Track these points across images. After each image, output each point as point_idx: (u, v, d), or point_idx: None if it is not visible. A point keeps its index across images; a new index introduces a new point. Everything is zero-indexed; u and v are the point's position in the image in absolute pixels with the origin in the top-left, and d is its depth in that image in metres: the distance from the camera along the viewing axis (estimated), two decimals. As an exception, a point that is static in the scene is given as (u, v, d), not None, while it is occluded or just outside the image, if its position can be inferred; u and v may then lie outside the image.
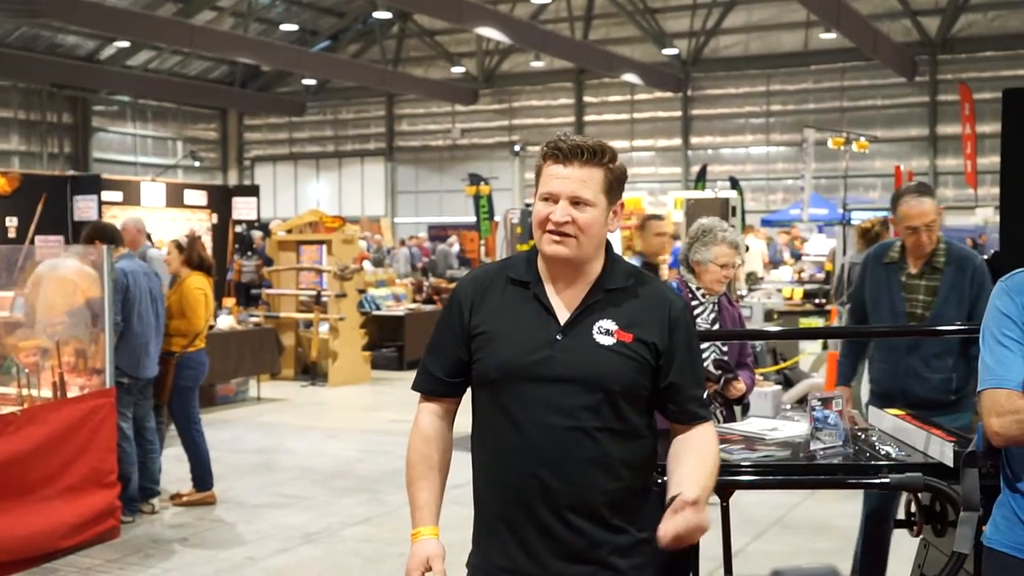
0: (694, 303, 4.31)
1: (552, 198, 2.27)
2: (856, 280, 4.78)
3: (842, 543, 5.92)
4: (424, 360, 2.46)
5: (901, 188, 4.52)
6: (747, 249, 12.06)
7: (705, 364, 4.14)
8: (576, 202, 2.26)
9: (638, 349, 2.29)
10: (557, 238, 2.27)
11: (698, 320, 4.26)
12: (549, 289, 2.34)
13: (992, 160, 24.71)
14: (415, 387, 2.47)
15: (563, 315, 2.31)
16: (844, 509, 6.39)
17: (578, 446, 2.26)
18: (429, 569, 2.29)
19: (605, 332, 2.29)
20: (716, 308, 4.37)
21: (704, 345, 4.20)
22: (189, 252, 7.13)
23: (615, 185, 2.31)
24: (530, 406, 2.27)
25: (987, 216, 20.97)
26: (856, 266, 8.20)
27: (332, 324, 12.32)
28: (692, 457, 2.32)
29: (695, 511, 2.12)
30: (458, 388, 2.42)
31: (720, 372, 4.20)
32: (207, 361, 7.20)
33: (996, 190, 23.42)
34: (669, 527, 2.11)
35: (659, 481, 2.51)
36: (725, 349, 4.34)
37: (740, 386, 4.23)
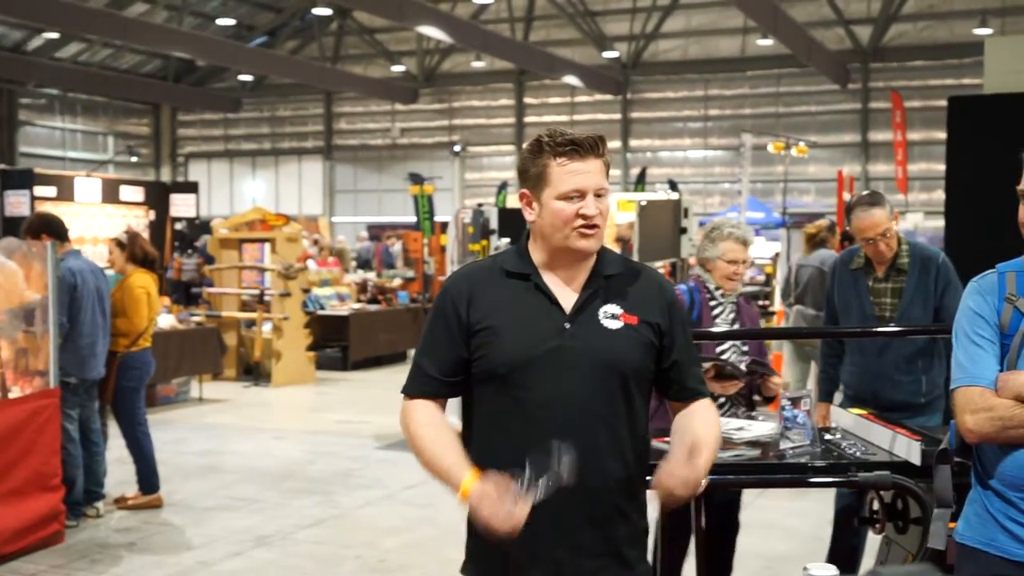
0: (712, 303, 4.26)
1: (580, 195, 2.29)
2: (827, 287, 4.84)
3: (793, 542, 6.01)
4: (418, 362, 2.41)
5: (852, 199, 4.57)
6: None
7: (730, 361, 4.13)
8: (599, 194, 2.30)
9: (644, 331, 2.34)
10: (589, 232, 2.30)
11: (717, 320, 4.23)
12: (548, 278, 2.35)
13: (920, 167, 25.27)
14: (409, 391, 2.40)
15: (567, 303, 2.33)
16: (794, 507, 6.49)
17: (593, 434, 2.28)
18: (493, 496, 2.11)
19: (611, 316, 2.32)
20: (736, 308, 4.31)
21: (725, 347, 4.22)
22: (131, 248, 6.96)
23: (608, 171, 2.38)
24: (543, 397, 2.27)
25: (917, 221, 21.42)
26: (804, 268, 8.33)
27: (276, 324, 12.19)
28: (696, 420, 2.38)
29: (693, 463, 2.17)
30: (455, 388, 2.39)
31: (753, 371, 4.11)
32: (152, 361, 7.05)
33: (925, 196, 23.87)
34: (665, 479, 2.16)
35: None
36: (746, 348, 4.29)
37: (777, 380, 4.15)
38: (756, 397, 4.23)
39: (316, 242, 19.23)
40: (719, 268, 4.25)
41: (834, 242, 8.36)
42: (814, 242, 8.32)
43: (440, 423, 2.36)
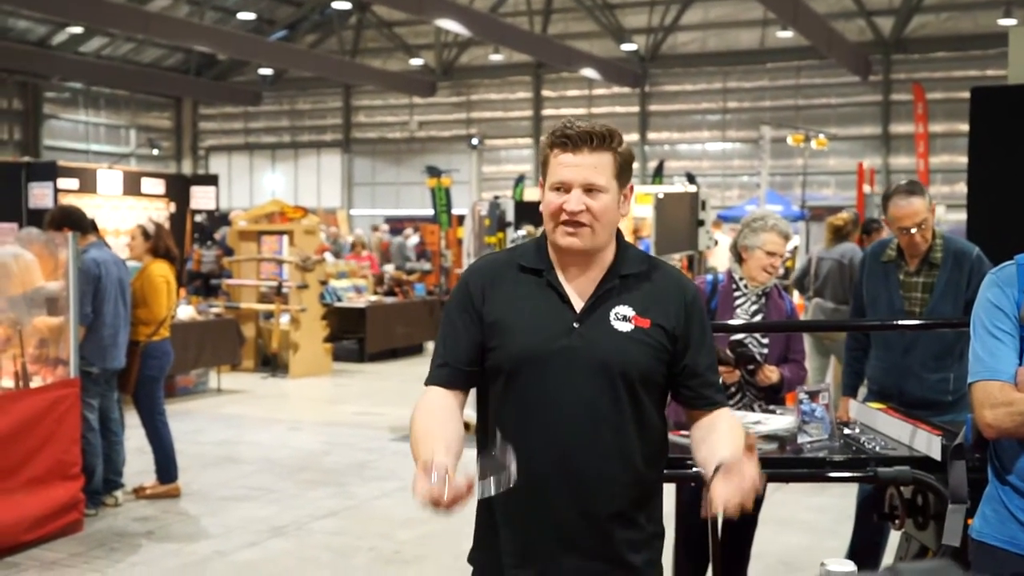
0: (736, 293, 4.22)
1: (564, 187, 2.23)
2: (856, 279, 4.74)
3: (811, 537, 5.99)
4: (438, 352, 2.34)
5: (890, 188, 4.44)
6: (716, 244, 12.23)
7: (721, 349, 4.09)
8: (589, 189, 2.22)
9: (656, 335, 2.27)
10: (571, 229, 2.23)
11: (737, 311, 4.19)
12: (562, 276, 2.30)
13: (943, 159, 25.08)
14: (430, 381, 2.32)
15: (578, 302, 2.28)
16: (812, 502, 6.46)
17: (598, 437, 2.23)
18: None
19: (622, 318, 2.26)
20: (763, 299, 4.24)
21: (740, 337, 4.14)
22: (156, 241, 7.01)
23: (624, 169, 2.28)
24: (548, 396, 2.22)
25: (939, 214, 21.30)
26: (824, 261, 8.26)
27: (293, 315, 12.22)
28: (722, 426, 2.28)
29: (742, 469, 2.04)
30: (472, 377, 2.32)
31: (736, 357, 4.05)
32: (172, 351, 7.10)
33: (947, 188, 23.76)
34: (722, 493, 2.01)
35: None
36: (765, 341, 4.22)
37: (770, 374, 4.07)
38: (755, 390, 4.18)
39: (347, 238, 19.21)
40: (756, 258, 4.18)
41: (856, 236, 8.28)
42: (840, 235, 8.20)
43: (440, 409, 2.25)
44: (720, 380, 2.45)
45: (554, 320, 2.26)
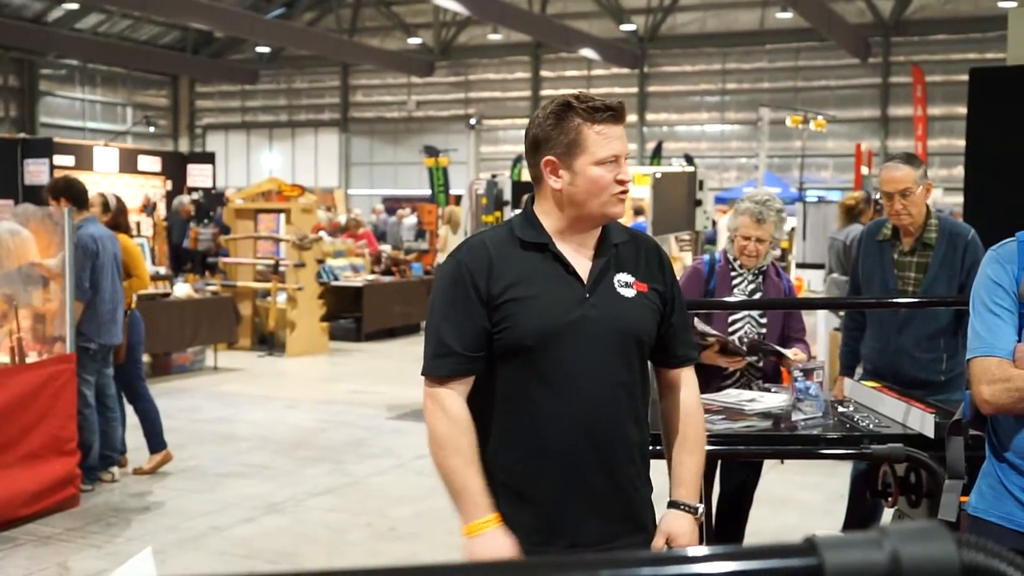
0: (732, 273, 4.23)
1: (616, 160, 2.28)
2: (852, 258, 4.75)
3: (804, 515, 6.01)
4: (440, 340, 2.29)
5: (888, 156, 4.52)
6: (713, 224, 12.24)
7: (737, 338, 4.09)
8: (624, 158, 2.31)
9: (652, 298, 2.37)
10: (624, 197, 2.32)
11: (735, 290, 4.20)
12: (563, 248, 2.33)
13: (941, 142, 25.08)
14: (433, 371, 2.29)
15: (583, 272, 2.32)
16: (806, 481, 6.49)
17: (618, 401, 2.31)
18: None
19: (625, 285, 2.34)
20: (760, 278, 4.25)
21: (737, 316, 4.16)
22: (116, 215, 7.00)
23: None
24: (570, 368, 2.26)
25: (936, 197, 21.31)
26: (836, 241, 8.23)
27: (290, 294, 12.21)
28: (688, 446, 2.46)
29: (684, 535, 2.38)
30: (478, 364, 2.29)
31: (763, 353, 4.03)
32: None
33: (945, 171, 23.77)
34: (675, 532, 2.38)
35: None
36: (764, 321, 4.21)
37: (800, 355, 4.02)
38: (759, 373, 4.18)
39: (340, 217, 19.14)
40: (735, 241, 4.23)
41: (869, 215, 8.24)
42: (851, 215, 8.17)
43: (469, 430, 2.27)
44: (691, 336, 2.61)
45: (566, 292, 2.30)
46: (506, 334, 2.27)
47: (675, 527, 2.37)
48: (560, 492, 2.28)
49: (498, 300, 2.27)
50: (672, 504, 2.42)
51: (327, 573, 0.66)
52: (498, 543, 2.18)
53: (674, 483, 2.43)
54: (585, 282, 2.31)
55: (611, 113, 2.26)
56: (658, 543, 2.36)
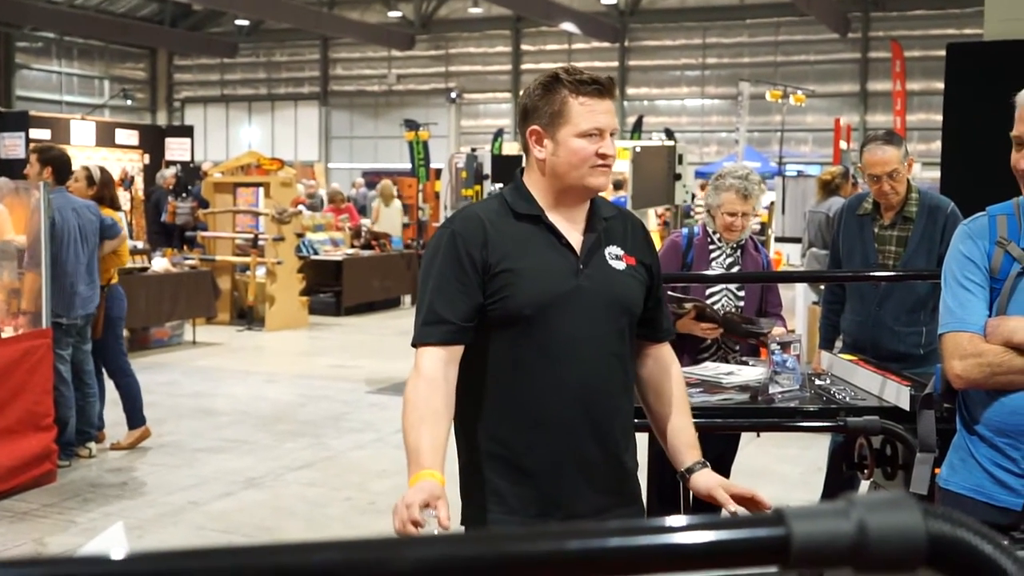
0: (711, 247, 4.22)
1: (600, 133, 2.28)
2: (832, 232, 4.77)
3: (782, 487, 6.05)
4: (431, 308, 2.27)
5: (868, 136, 4.48)
6: (692, 198, 12.25)
7: (718, 308, 4.09)
8: (612, 134, 2.32)
9: (640, 271, 2.41)
10: (606, 170, 2.32)
11: (713, 264, 4.20)
12: (555, 220, 2.35)
13: (919, 117, 25.13)
14: (425, 339, 2.25)
15: (575, 244, 2.35)
16: (784, 454, 6.53)
17: (612, 373, 2.34)
18: (427, 507, 2.03)
19: (616, 257, 2.37)
20: (738, 252, 4.24)
21: (715, 290, 4.16)
22: (101, 188, 6.94)
23: None
24: (566, 338, 2.28)
25: (915, 172, 21.39)
26: (815, 214, 8.26)
27: (269, 268, 12.16)
28: (686, 410, 2.51)
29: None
30: (469, 334, 2.28)
31: (744, 333, 4.02)
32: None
33: (923, 146, 23.82)
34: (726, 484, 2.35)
35: None
36: (742, 294, 4.21)
37: (779, 331, 3.98)
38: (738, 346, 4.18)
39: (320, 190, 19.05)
40: (718, 218, 4.21)
41: (847, 190, 8.26)
42: (828, 189, 8.20)
43: (437, 389, 2.22)
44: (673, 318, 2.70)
45: (561, 263, 2.32)
46: (502, 304, 2.27)
47: (721, 481, 2.35)
48: (556, 463, 2.28)
49: (494, 270, 2.27)
50: (696, 466, 2.38)
51: (300, 545, 0.66)
52: (424, 487, 2.07)
53: (682, 447, 2.42)
54: (578, 253, 2.33)
55: (597, 87, 2.28)
56: (729, 506, 2.26)
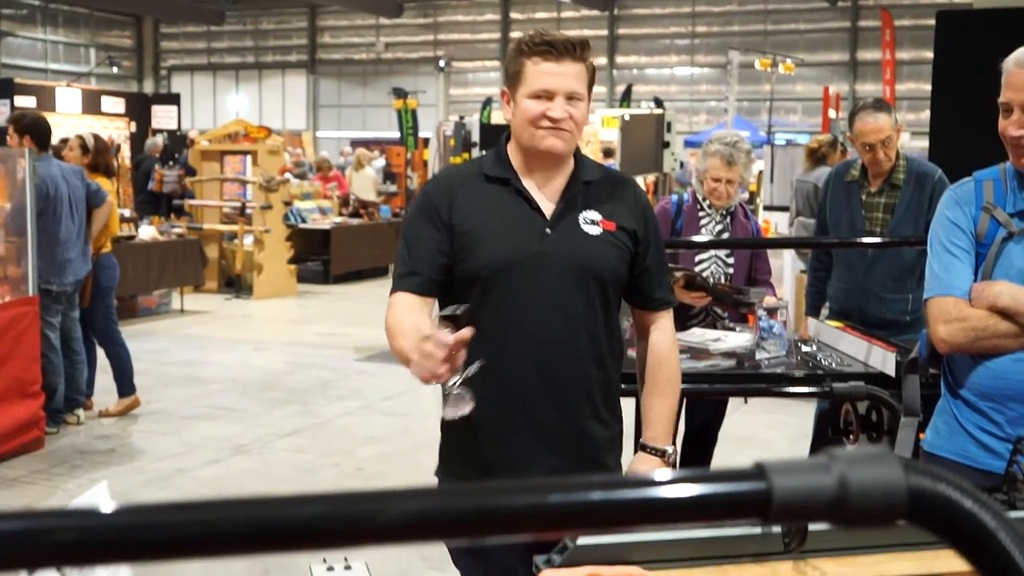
0: (700, 213, 4.21)
1: (547, 95, 2.25)
2: (820, 199, 4.76)
3: (768, 453, 6.08)
4: (404, 262, 2.33)
5: (858, 104, 4.45)
6: (681, 166, 12.24)
7: (707, 275, 4.09)
8: (571, 97, 2.26)
9: (621, 237, 2.35)
10: (555, 132, 2.26)
11: (702, 231, 4.19)
12: (528, 183, 2.34)
13: (909, 86, 25.10)
14: (398, 289, 2.32)
15: (547, 208, 2.33)
16: (772, 420, 6.57)
17: (574, 338, 2.30)
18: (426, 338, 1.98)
19: (591, 222, 2.33)
20: (727, 219, 4.23)
21: (704, 256, 4.16)
22: (95, 156, 6.91)
23: (593, 79, 2.34)
24: (526, 301, 2.27)
25: (904, 141, 21.39)
26: (803, 184, 8.26)
27: (257, 236, 12.12)
28: (658, 389, 2.45)
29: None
30: (438, 287, 2.32)
31: (734, 303, 3.98)
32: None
33: (912, 116, 23.76)
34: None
35: None
36: (731, 262, 4.21)
37: (770, 299, 3.95)
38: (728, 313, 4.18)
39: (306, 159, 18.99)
40: (705, 183, 4.21)
41: (835, 158, 8.26)
42: (815, 158, 8.19)
43: (417, 311, 2.25)
44: (670, 280, 2.57)
45: (526, 226, 2.31)
46: (462, 266, 2.30)
47: (639, 469, 2.38)
48: (511, 426, 2.29)
49: (457, 230, 2.30)
50: (641, 447, 2.43)
51: (287, 498, 0.66)
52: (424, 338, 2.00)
53: (643, 426, 2.45)
54: (548, 218, 2.31)
55: (548, 47, 2.24)
56: None
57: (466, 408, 2.07)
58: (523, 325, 2.27)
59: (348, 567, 1.63)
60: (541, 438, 2.30)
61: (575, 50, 2.26)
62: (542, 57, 2.25)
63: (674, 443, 2.50)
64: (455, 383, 2.04)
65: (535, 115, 2.26)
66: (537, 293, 2.27)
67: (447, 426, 2.33)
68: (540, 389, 2.28)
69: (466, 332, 1.97)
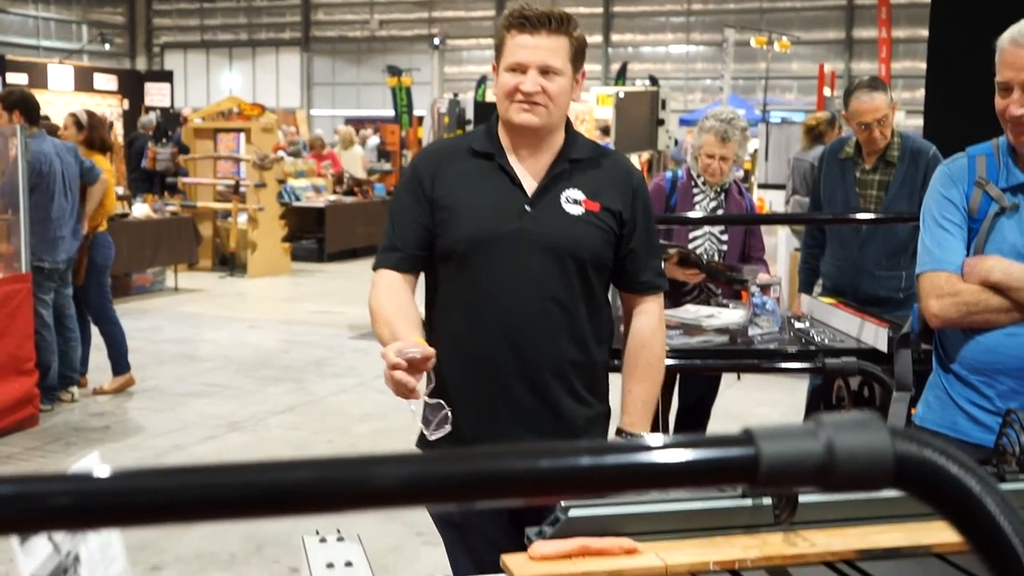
0: (694, 190, 4.22)
1: (520, 68, 2.24)
2: (814, 176, 4.76)
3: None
4: (388, 235, 2.35)
5: (853, 83, 4.44)
6: (676, 144, 12.23)
7: (701, 252, 4.09)
8: (546, 71, 2.24)
9: (605, 218, 2.32)
10: (527, 106, 2.24)
11: (696, 208, 4.19)
12: (513, 159, 2.32)
13: (904, 65, 25.06)
14: (381, 264, 2.35)
15: (530, 186, 2.31)
16: (765, 397, 6.59)
17: (548, 316, 2.28)
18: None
19: (573, 202, 2.30)
20: (722, 196, 4.23)
21: (698, 233, 4.17)
22: (90, 132, 6.89)
23: (579, 54, 2.30)
24: (501, 278, 2.26)
25: (899, 120, 21.35)
26: (800, 162, 8.24)
27: (251, 214, 12.10)
28: (638, 374, 2.39)
29: None
30: (420, 262, 2.35)
31: (728, 280, 4.01)
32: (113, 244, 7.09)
33: (908, 94, 23.71)
34: None
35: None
36: (725, 239, 4.22)
37: (763, 276, 3.92)
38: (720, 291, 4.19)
39: (299, 137, 18.95)
40: (699, 159, 4.21)
41: (833, 136, 8.23)
42: (813, 135, 8.16)
43: (399, 291, 2.29)
44: (660, 263, 2.52)
45: (506, 202, 2.29)
46: (442, 239, 2.31)
47: None
48: (485, 402, 2.29)
49: (437, 204, 2.31)
50: (617, 432, 2.40)
51: (279, 463, 0.66)
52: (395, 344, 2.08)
53: (622, 410, 2.42)
54: (529, 195, 2.30)
55: (522, 20, 2.23)
56: None
57: (446, 425, 2.12)
58: (499, 301, 2.26)
59: (340, 539, 1.63)
60: (516, 415, 2.29)
61: (550, 23, 2.23)
62: (518, 30, 2.24)
63: (662, 428, 2.48)
64: (426, 394, 2.09)
65: (509, 88, 2.25)
66: (514, 269, 2.26)
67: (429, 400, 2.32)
68: (510, 365, 2.27)
69: (430, 350, 2.03)
